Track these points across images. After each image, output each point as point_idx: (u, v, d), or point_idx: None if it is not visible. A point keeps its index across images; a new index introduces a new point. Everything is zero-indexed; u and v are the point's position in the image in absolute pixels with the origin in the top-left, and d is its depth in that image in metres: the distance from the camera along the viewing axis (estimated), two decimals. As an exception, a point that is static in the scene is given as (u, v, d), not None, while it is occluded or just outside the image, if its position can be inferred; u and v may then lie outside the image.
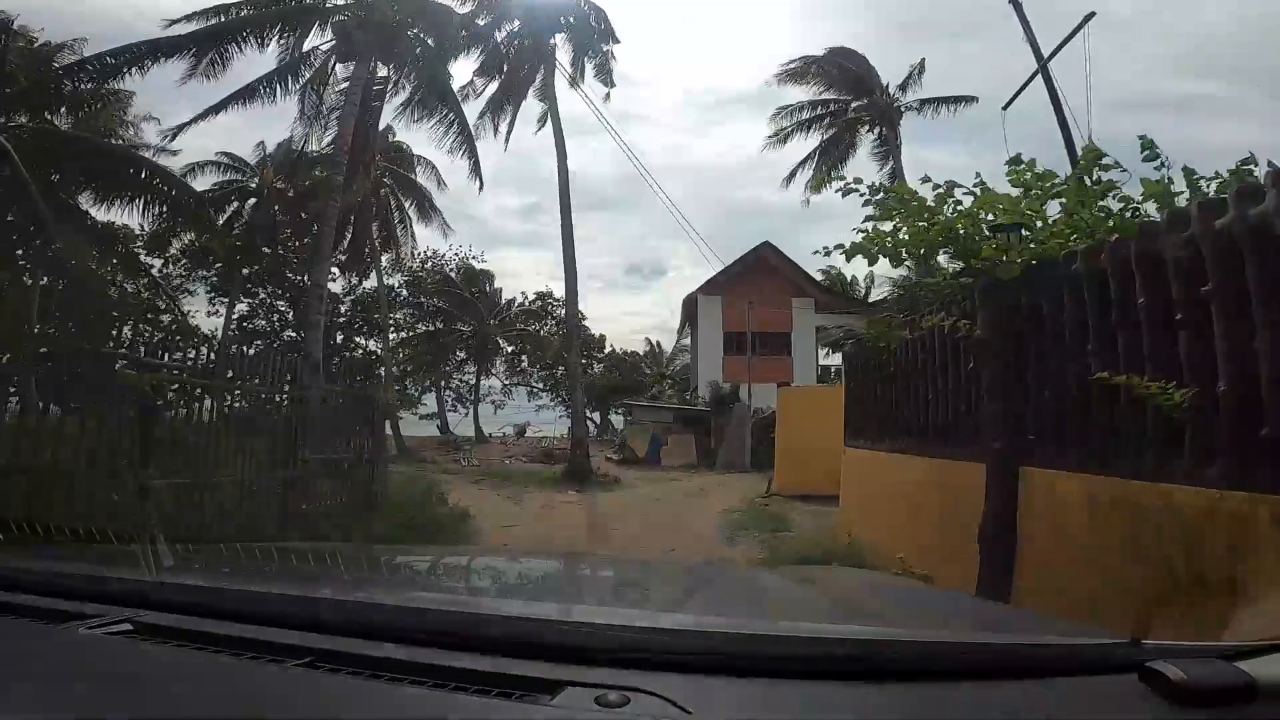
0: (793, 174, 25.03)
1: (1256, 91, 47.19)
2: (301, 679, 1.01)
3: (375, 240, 27.09)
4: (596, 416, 38.26)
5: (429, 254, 34.58)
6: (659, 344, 40.60)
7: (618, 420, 33.62)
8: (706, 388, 23.25)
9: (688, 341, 37.79)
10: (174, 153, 19.49)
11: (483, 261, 35.55)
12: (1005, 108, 12.81)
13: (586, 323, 41.74)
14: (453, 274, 34.49)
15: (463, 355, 34.96)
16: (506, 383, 40.98)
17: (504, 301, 35.26)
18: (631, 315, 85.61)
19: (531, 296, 42.09)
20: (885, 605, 1.86)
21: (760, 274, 28.76)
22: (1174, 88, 49.41)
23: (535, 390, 42.35)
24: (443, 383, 37.16)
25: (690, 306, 31.04)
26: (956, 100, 23.69)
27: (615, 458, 23.57)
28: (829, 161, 24.60)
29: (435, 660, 1.01)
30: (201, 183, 23.91)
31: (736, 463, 19.81)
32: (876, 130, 24.62)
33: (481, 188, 20.35)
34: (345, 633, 1.12)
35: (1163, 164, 3.80)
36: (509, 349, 38.46)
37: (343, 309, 34.50)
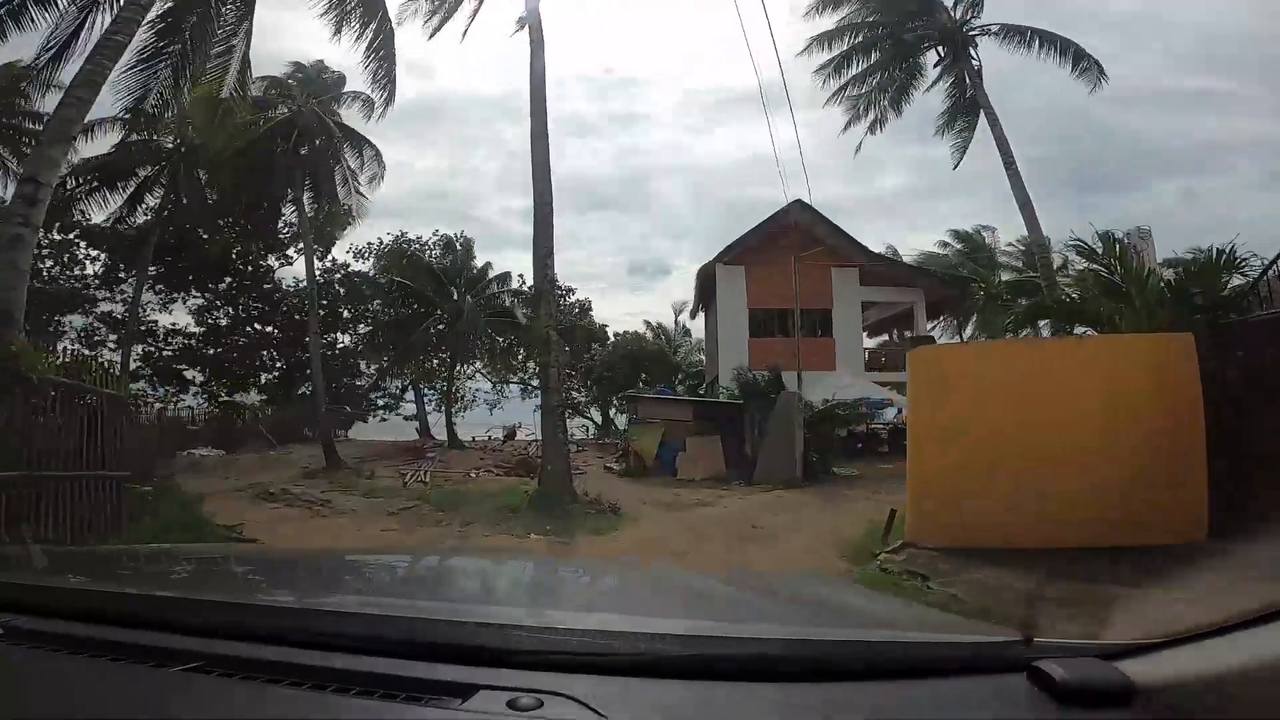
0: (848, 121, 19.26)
1: (1261, 86, 47.92)
2: (186, 684, 0.96)
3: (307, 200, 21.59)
4: (597, 415, 32.81)
5: (399, 236, 29.29)
6: (660, 327, 34.59)
7: (623, 420, 27.93)
8: (731, 375, 17.27)
9: (691, 323, 32.17)
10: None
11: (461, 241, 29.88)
12: None
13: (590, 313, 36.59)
14: (428, 249, 28.94)
15: (440, 345, 29.27)
16: (496, 380, 35.52)
17: (489, 278, 29.49)
18: (635, 315, 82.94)
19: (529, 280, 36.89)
20: (796, 603, 1.85)
21: (791, 239, 22.89)
22: (1180, 83, 48.32)
23: (531, 388, 36.96)
24: (422, 379, 31.60)
25: (706, 280, 25.17)
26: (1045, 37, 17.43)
27: (616, 468, 17.76)
28: (886, 94, 18.93)
29: (337, 664, 0.98)
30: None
31: (783, 473, 13.99)
32: (940, 54, 18.84)
33: (390, 103, 14.69)
34: (237, 637, 1.07)
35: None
36: (500, 340, 32.98)
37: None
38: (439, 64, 63.72)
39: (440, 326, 26.73)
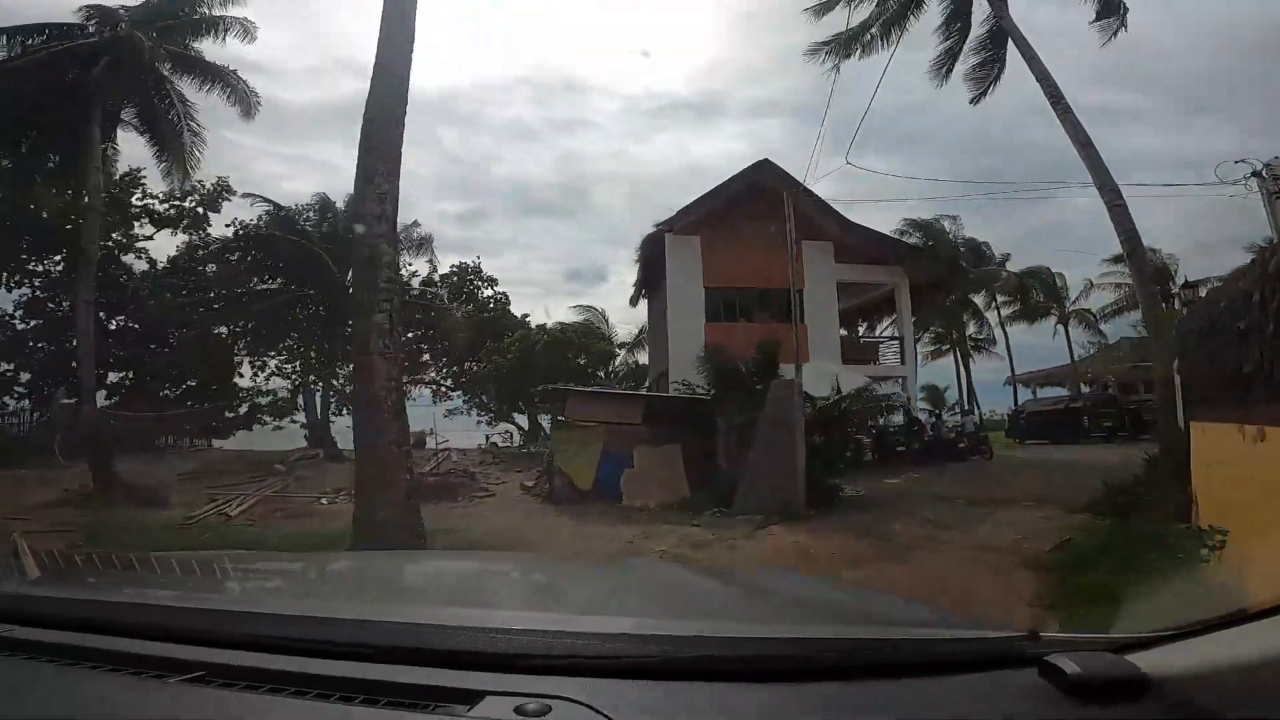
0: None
1: (1168, 101, 49.75)
2: (189, 694, 0.93)
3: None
4: (524, 420, 27.44)
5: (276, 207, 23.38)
6: (605, 314, 29.37)
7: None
8: (695, 360, 12.33)
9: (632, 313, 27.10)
10: None
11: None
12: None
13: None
14: (303, 216, 23.09)
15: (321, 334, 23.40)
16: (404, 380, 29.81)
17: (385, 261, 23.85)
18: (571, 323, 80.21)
19: (446, 268, 31.34)
20: (801, 603, 1.83)
21: (756, 206, 18.36)
22: (1090, 97, 47.26)
23: (445, 390, 31.29)
24: (309, 375, 25.64)
25: (652, 255, 20.32)
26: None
27: (537, 493, 12.69)
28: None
29: (340, 672, 0.94)
30: None
31: (776, 498, 9.29)
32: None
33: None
34: (239, 645, 1.04)
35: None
36: (408, 335, 27.31)
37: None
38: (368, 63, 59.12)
39: (317, 309, 21.02)
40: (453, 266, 32.34)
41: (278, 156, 54.21)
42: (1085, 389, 30.92)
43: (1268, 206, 9.19)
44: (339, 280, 20.34)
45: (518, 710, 0.83)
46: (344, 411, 27.64)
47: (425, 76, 61.41)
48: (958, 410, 26.47)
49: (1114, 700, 0.83)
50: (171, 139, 16.36)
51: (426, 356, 29.55)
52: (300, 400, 26.92)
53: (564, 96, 64.38)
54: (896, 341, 21.00)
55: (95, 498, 10.77)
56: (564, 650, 0.99)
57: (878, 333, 23.55)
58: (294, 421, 27.36)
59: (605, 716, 0.82)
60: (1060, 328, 32.88)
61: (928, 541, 7.20)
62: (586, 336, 25.44)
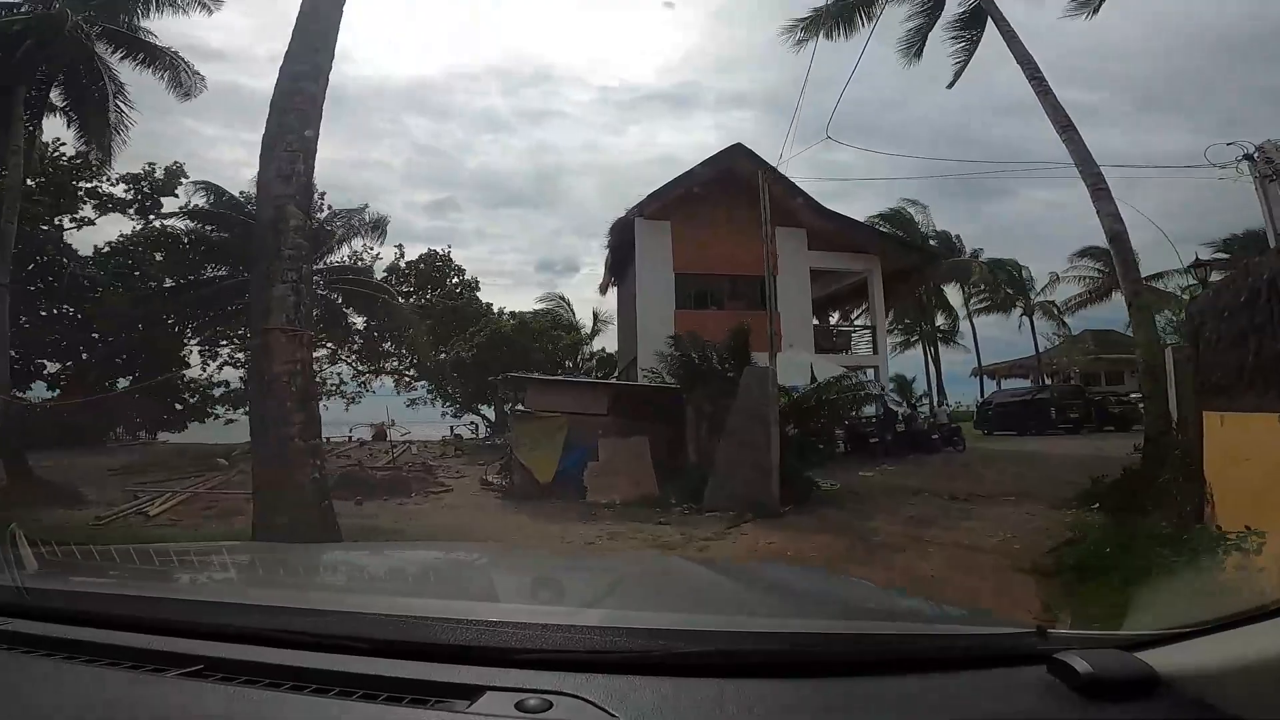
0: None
1: (1123, 100, 51.00)
2: (187, 689, 0.91)
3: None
4: (491, 411, 26.44)
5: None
6: (569, 303, 28.39)
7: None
8: (663, 347, 11.64)
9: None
10: None
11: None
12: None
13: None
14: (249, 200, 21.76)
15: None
16: (362, 370, 28.54)
17: (293, 225, 22.59)
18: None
19: (414, 254, 30.25)
20: (806, 597, 1.81)
21: (729, 192, 17.74)
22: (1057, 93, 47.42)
23: (409, 381, 30.15)
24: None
25: (622, 240, 19.58)
26: None
27: (497, 486, 11.92)
28: None
29: (338, 666, 0.93)
30: None
31: (750, 494, 8.70)
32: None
33: None
34: (237, 639, 1.03)
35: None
36: (360, 322, 26.13)
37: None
38: (344, 50, 57.55)
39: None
40: (421, 254, 31.46)
41: (242, 144, 52.33)
42: (1047, 380, 31.13)
43: (1260, 190, 8.88)
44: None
45: (519, 705, 0.82)
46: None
47: (395, 66, 60.09)
48: (925, 401, 26.31)
49: (1125, 699, 0.82)
50: (95, 118, 15.03)
51: (389, 345, 28.48)
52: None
53: (537, 86, 63.58)
54: (869, 331, 20.60)
55: (2, 496, 9.70)
56: (565, 644, 0.98)
57: (849, 322, 23.15)
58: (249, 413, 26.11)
59: (607, 711, 0.81)
60: (1025, 319, 33.06)
61: (912, 542, 6.65)
62: (555, 325, 24.60)
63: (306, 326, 6.09)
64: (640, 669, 0.91)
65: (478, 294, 29.92)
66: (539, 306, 27.54)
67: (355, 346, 27.34)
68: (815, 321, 20.34)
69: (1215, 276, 24.44)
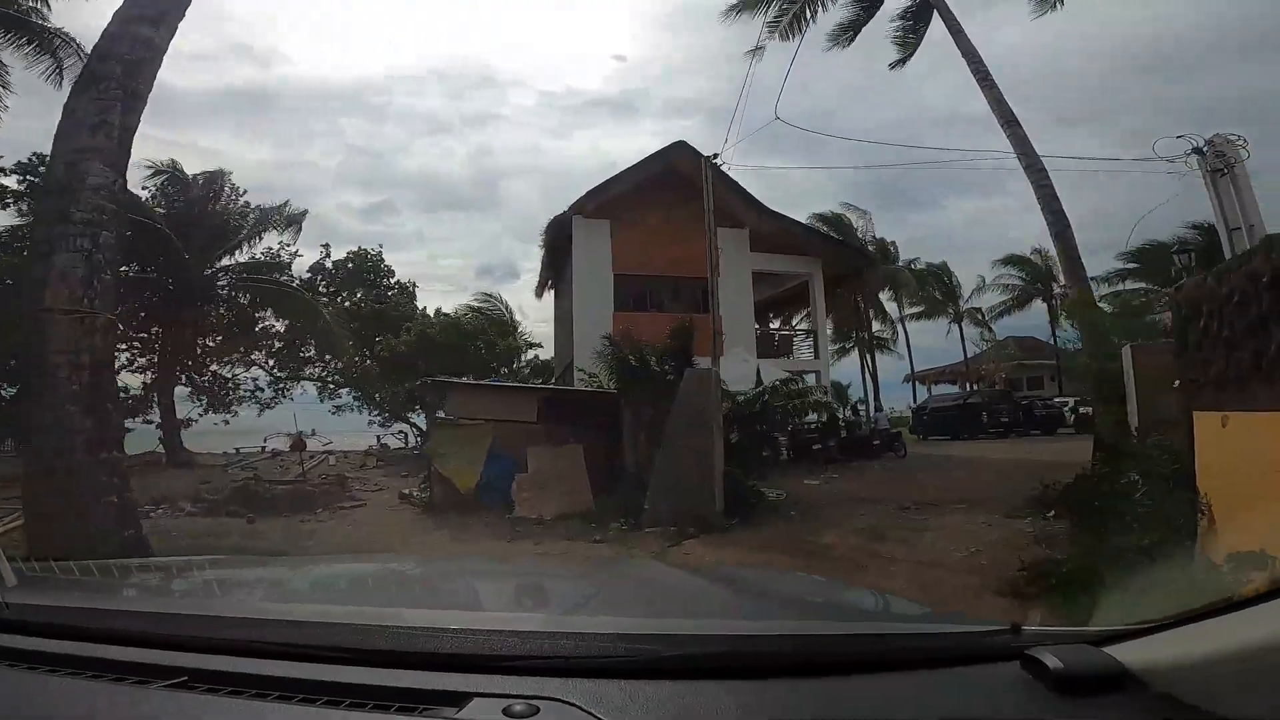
0: None
1: (1041, 115, 53.73)
2: (172, 700, 0.90)
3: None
4: (422, 419, 24.90)
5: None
6: (504, 302, 27.04)
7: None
8: (597, 350, 10.71)
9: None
10: None
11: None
12: None
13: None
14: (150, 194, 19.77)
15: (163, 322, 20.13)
16: (279, 375, 26.47)
17: (244, 230, 20.75)
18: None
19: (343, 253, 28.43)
20: (785, 599, 1.82)
21: (671, 190, 17.07)
22: (975, 106, 49.80)
23: (330, 387, 28.19)
24: (168, 368, 22.15)
25: (558, 239, 18.61)
26: None
27: (416, 501, 10.74)
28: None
29: (326, 676, 0.92)
30: None
31: (692, 507, 7.89)
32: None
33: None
34: (222, 650, 1.01)
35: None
36: (279, 325, 24.23)
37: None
38: (279, 50, 55.29)
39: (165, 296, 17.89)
40: (349, 253, 29.62)
41: (160, 142, 48.90)
42: (973, 386, 31.82)
43: (1209, 185, 8.74)
44: (187, 260, 17.40)
45: (506, 712, 0.82)
46: (215, 409, 24.56)
47: (332, 67, 57.63)
48: (861, 407, 26.27)
49: (1095, 693, 0.82)
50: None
51: (312, 349, 26.57)
52: (157, 398, 23.35)
53: (480, 90, 62.14)
54: (810, 335, 20.24)
55: None
56: (551, 651, 0.98)
57: (790, 327, 22.79)
58: (149, 422, 23.78)
59: (594, 715, 0.81)
60: (955, 326, 33.75)
61: (870, 558, 5.98)
62: (493, 326, 23.23)
63: (107, 309, 4.78)
64: (625, 673, 0.91)
65: (414, 297, 28.34)
66: (475, 304, 26.13)
67: (273, 350, 25.36)
68: (756, 327, 19.82)
69: (1132, 284, 25.27)
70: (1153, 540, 4.53)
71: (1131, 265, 26.20)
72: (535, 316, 27.83)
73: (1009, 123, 10.12)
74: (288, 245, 23.45)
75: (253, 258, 22.39)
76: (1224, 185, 8.37)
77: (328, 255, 29.12)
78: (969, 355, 34.81)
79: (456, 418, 9.82)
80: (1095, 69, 50.24)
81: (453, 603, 1.66)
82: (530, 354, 26.43)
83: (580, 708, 0.82)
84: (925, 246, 58.12)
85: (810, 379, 17.74)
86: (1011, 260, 32.51)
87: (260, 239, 22.06)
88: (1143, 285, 26.37)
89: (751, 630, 1.19)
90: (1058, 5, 11.90)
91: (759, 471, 9.51)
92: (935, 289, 31.86)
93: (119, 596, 1.55)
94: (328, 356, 26.71)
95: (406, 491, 11.50)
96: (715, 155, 13.01)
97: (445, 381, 10.57)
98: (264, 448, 21.25)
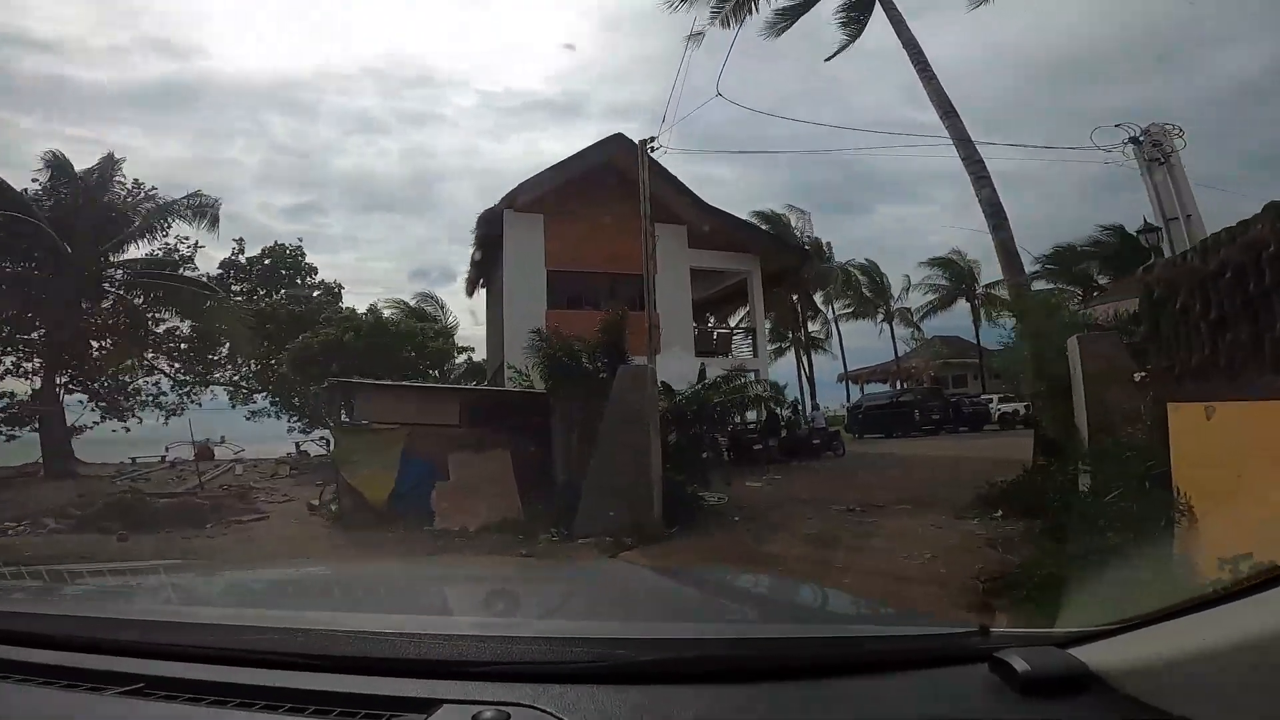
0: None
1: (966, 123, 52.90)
2: (126, 707, 0.87)
3: None
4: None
5: None
6: (437, 299, 25.64)
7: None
8: (525, 347, 9.88)
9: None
10: None
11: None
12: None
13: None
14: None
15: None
16: (187, 379, 24.37)
17: (137, 223, 18.89)
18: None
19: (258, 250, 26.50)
20: (757, 601, 1.83)
21: (608, 184, 16.39)
22: (900, 114, 53.83)
23: (244, 391, 26.18)
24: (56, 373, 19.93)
25: (489, 235, 17.62)
26: None
27: (325, 513, 9.68)
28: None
29: (290, 683, 0.89)
30: None
31: (628, 517, 7.23)
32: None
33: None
34: (179, 657, 0.97)
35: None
36: (185, 326, 22.22)
37: None
38: (200, 45, 51.56)
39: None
40: (264, 248, 27.62)
41: (63, 139, 44.91)
42: (902, 384, 32.45)
43: (1145, 174, 8.72)
44: (72, 257, 15.60)
45: (475, 718, 0.80)
46: (112, 416, 22.33)
47: (258, 61, 54.53)
48: (796, 406, 26.26)
49: (1061, 695, 0.82)
50: None
51: (224, 352, 24.59)
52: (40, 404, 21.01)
53: (416, 89, 59.89)
54: (749, 333, 19.91)
55: None
56: (521, 656, 0.96)
57: (728, 326, 22.43)
58: (36, 430, 21.41)
59: None
60: (886, 326, 34.36)
61: (820, 568, 5.45)
62: (426, 326, 21.85)
63: None
64: (595, 678, 0.89)
65: (339, 298, 26.58)
66: (409, 304, 24.69)
67: (177, 352, 23.29)
68: (695, 325, 19.33)
69: (1041, 284, 26.12)
70: (1122, 542, 4.15)
71: (1050, 267, 27.16)
72: (476, 319, 26.49)
73: (947, 114, 9.95)
74: (185, 239, 21.53)
75: (152, 254, 20.51)
76: (1160, 175, 8.36)
77: (241, 251, 27.26)
78: (901, 355, 35.52)
79: (367, 422, 8.83)
80: (1011, 77, 52.48)
81: (421, 608, 1.62)
82: (463, 357, 25.26)
83: (550, 713, 0.80)
84: (857, 250, 59.50)
85: (749, 377, 17.41)
86: (937, 262, 33.40)
87: (162, 233, 20.14)
88: (1054, 286, 27.58)
89: (722, 634, 1.19)
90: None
91: (699, 473, 8.92)
92: (867, 288, 32.35)
93: (71, 602, 1.48)
94: (240, 359, 24.88)
95: (316, 502, 10.39)
96: (652, 139, 12.34)
97: (352, 382, 9.50)
98: (164, 457, 19.44)
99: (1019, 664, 0.82)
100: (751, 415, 14.49)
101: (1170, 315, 3.98)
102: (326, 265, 67.54)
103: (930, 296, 33.49)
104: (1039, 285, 30.68)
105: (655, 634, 1.13)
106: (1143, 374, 5.41)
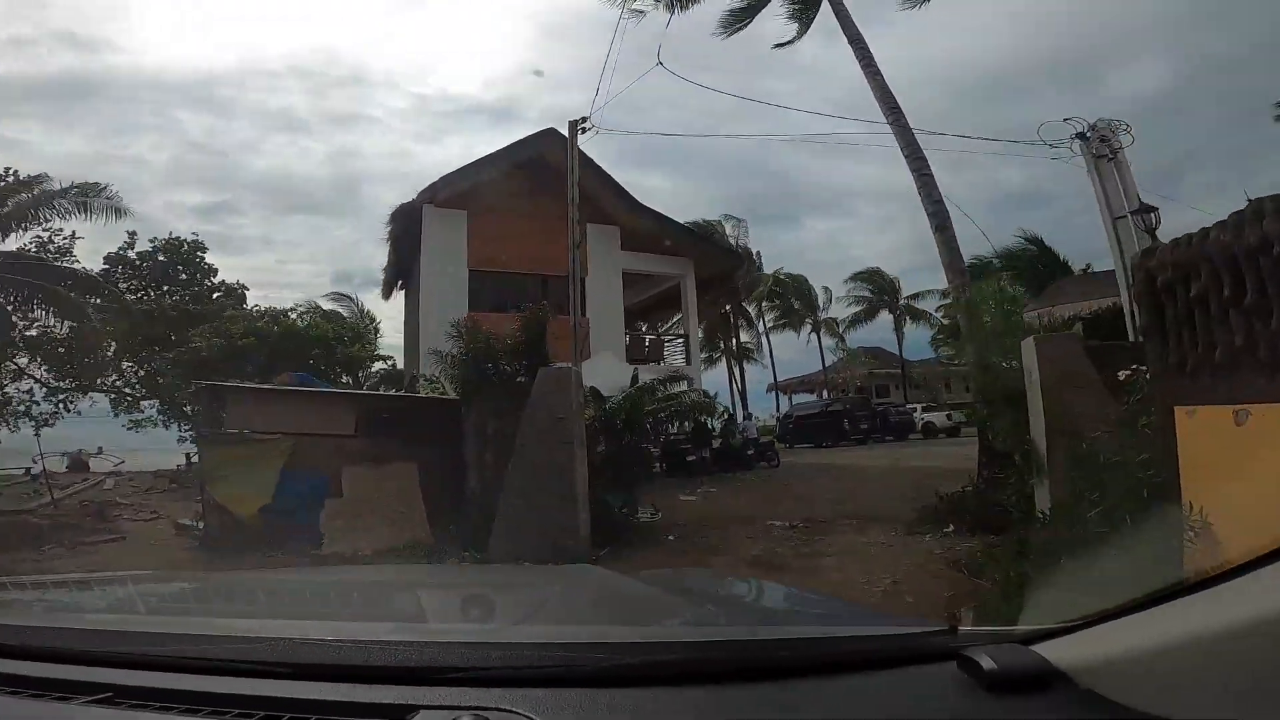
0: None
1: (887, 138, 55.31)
2: (95, 716, 0.85)
3: None
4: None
5: None
6: (353, 300, 23.65)
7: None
8: (440, 344, 8.73)
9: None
10: None
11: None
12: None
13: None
14: None
15: None
16: (61, 385, 21.61)
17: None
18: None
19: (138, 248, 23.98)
20: (730, 603, 1.83)
21: (538, 181, 15.36)
22: (825, 124, 56.39)
23: (129, 398, 23.51)
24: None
25: (407, 232, 16.26)
26: None
27: (196, 534, 8.22)
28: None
29: (264, 691, 0.87)
30: None
31: (550, 538, 6.26)
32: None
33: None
34: (149, 666, 0.95)
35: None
36: (60, 326, 19.68)
37: None
38: (110, 38, 47.20)
39: None
40: (154, 241, 25.03)
41: None
42: (829, 394, 32.74)
43: (1092, 170, 8.49)
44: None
45: None
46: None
47: (172, 56, 50.67)
48: (727, 415, 25.86)
49: (1025, 692, 0.82)
50: None
51: (109, 354, 22.02)
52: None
53: (346, 89, 57.03)
54: (682, 340, 19.22)
55: None
56: (497, 661, 0.96)
57: (661, 333, 21.69)
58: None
59: None
60: (814, 336, 34.71)
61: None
62: (342, 329, 19.95)
63: None
64: (571, 682, 0.89)
65: (243, 300, 24.29)
66: (325, 305, 22.69)
67: (53, 356, 20.62)
68: (626, 333, 18.49)
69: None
70: (1118, 563, 3.54)
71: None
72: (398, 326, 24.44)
73: (892, 109, 9.54)
74: (59, 231, 19.15)
75: (24, 248, 18.05)
76: (1108, 171, 8.16)
77: (131, 246, 24.70)
78: (827, 366, 35.95)
79: (241, 431, 7.49)
80: (928, 94, 54.73)
81: (396, 614, 1.62)
82: (379, 365, 23.48)
83: (527, 716, 0.80)
84: (786, 262, 60.76)
85: (682, 385, 16.71)
86: (861, 276, 34.07)
87: (38, 224, 17.79)
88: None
89: (696, 637, 1.21)
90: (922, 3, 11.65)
91: (630, 488, 8.03)
92: (795, 298, 32.58)
93: (35, 612, 1.40)
94: (126, 364, 22.39)
95: (187, 521, 8.88)
96: (584, 119, 11.43)
97: (224, 386, 8.06)
98: (29, 470, 17.00)
99: (986, 662, 0.82)
100: (688, 425, 13.72)
101: (1179, 306, 3.39)
102: (240, 267, 63.45)
103: (855, 308, 34.15)
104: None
105: (628, 638, 1.15)
106: (1128, 372, 4.90)
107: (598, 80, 12.05)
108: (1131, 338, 7.61)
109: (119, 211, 19.34)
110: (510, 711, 0.80)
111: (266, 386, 8.11)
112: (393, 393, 10.30)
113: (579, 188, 13.33)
